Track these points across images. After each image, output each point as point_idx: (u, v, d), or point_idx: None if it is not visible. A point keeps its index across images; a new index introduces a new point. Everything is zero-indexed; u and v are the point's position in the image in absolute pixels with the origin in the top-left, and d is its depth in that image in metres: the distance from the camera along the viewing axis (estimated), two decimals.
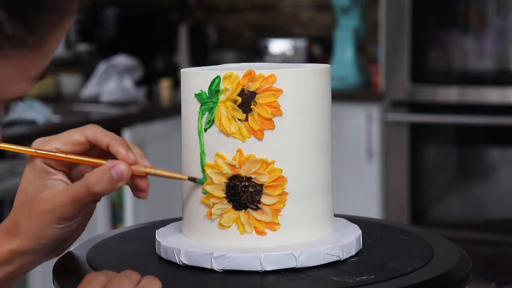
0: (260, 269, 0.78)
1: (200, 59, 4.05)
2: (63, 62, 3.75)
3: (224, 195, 0.81)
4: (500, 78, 3.44)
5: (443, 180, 3.64)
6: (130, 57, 3.56)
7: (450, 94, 3.46)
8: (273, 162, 0.80)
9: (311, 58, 4.15)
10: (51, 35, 0.61)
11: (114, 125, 3.07)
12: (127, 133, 3.06)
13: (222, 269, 0.78)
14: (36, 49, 0.60)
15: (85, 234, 0.88)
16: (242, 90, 0.80)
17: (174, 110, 3.32)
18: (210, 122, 0.81)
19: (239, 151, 0.80)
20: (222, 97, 0.80)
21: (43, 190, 0.81)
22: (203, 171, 0.82)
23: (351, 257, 0.83)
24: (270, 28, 4.45)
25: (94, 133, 0.84)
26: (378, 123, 3.57)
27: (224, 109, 0.80)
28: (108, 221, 2.99)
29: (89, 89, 3.54)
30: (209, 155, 0.82)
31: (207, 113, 0.81)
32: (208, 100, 0.81)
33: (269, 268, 0.78)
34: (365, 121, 3.58)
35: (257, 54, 4.24)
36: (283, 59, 4.09)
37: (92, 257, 0.85)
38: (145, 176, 0.83)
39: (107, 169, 0.79)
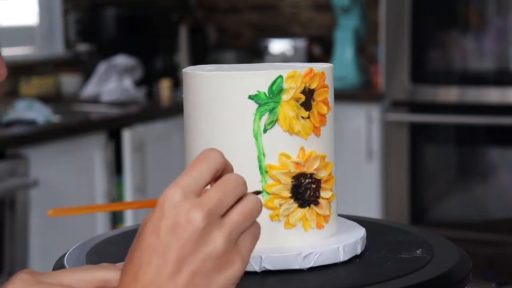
0: (342, 260, 0.81)
1: (200, 59, 4.05)
2: (63, 62, 3.75)
3: (290, 195, 0.81)
4: (500, 78, 3.44)
5: (443, 180, 3.64)
6: (130, 57, 3.56)
7: (450, 94, 3.46)
8: (326, 156, 0.83)
9: (311, 58, 4.15)
10: None
11: (114, 125, 3.08)
12: (127, 133, 3.06)
13: (309, 267, 0.79)
14: None
15: (85, 234, 0.88)
16: (304, 88, 0.81)
17: (174, 110, 3.32)
18: (273, 123, 0.80)
19: (302, 149, 0.81)
20: (285, 97, 0.80)
21: None
22: (264, 173, 0.80)
23: (355, 257, 0.84)
24: (270, 28, 4.45)
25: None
26: (378, 123, 3.57)
27: (289, 109, 0.80)
28: (108, 221, 2.99)
29: (89, 89, 3.54)
30: (270, 156, 0.80)
31: (267, 114, 0.80)
32: (269, 100, 0.80)
33: (346, 258, 0.82)
34: (365, 121, 3.58)
35: (257, 54, 4.23)
36: (283, 59, 4.09)
37: (92, 257, 0.85)
38: None
39: None
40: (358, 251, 0.82)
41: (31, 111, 2.84)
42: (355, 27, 3.86)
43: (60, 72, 3.71)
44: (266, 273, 0.79)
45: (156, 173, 3.15)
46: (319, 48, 4.22)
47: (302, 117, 0.81)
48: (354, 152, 3.59)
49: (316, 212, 0.82)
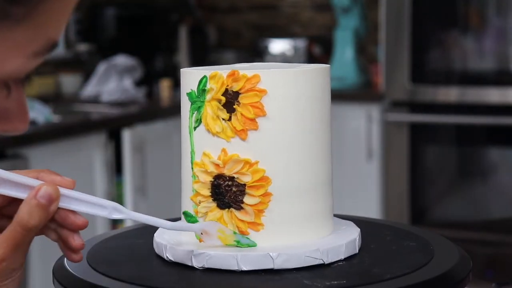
0: (237, 268, 0.78)
1: (200, 59, 4.05)
2: (63, 62, 3.75)
3: (210, 194, 0.82)
4: (500, 78, 3.44)
5: (443, 180, 3.64)
6: (130, 57, 3.56)
7: (450, 94, 3.46)
8: (256, 162, 0.80)
9: (311, 58, 4.15)
10: (41, 5, 0.55)
11: (114, 125, 3.08)
12: (127, 133, 3.06)
13: (201, 267, 0.79)
14: (25, 21, 0.55)
15: (85, 234, 0.88)
16: (226, 90, 0.80)
17: (174, 110, 3.32)
18: (198, 121, 0.82)
19: (224, 150, 0.81)
20: (208, 97, 0.81)
21: None
22: (192, 169, 0.83)
23: (339, 261, 0.81)
24: (270, 28, 4.45)
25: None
26: (378, 123, 3.57)
27: (210, 109, 0.81)
28: (108, 221, 2.99)
29: (89, 89, 3.54)
30: (197, 153, 0.82)
31: (195, 112, 0.82)
32: (197, 99, 0.82)
33: (245, 268, 0.78)
34: (365, 121, 3.58)
35: (257, 54, 4.24)
36: (283, 59, 4.10)
37: (92, 257, 0.85)
38: (77, 232, 0.74)
39: (32, 197, 0.69)
40: (269, 266, 0.78)
41: (31, 111, 2.84)
42: (355, 27, 3.86)
43: (60, 72, 3.71)
44: (173, 264, 0.81)
45: (156, 173, 3.15)
46: (319, 48, 4.22)
47: (224, 119, 0.80)
48: (354, 152, 3.59)
49: (236, 217, 0.81)
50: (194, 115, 0.82)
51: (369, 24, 3.95)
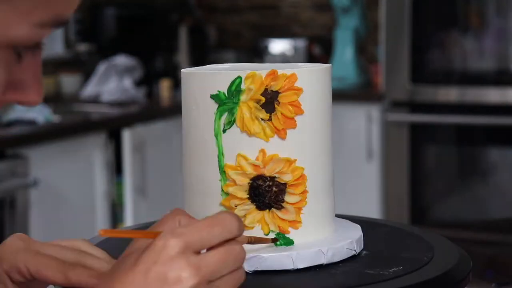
0: (293, 267, 0.79)
1: (200, 59, 4.05)
2: (63, 62, 3.75)
3: (247, 196, 0.81)
4: (500, 78, 3.44)
5: (443, 180, 3.64)
6: (130, 57, 3.56)
7: (450, 94, 3.46)
8: (295, 160, 0.81)
9: (311, 58, 4.15)
10: None
11: (114, 125, 3.08)
12: (127, 133, 3.06)
13: (253, 270, 0.79)
14: None
15: (85, 234, 0.88)
16: (265, 89, 0.80)
17: (174, 110, 3.32)
18: (231, 123, 0.81)
19: (262, 151, 0.80)
20: (243, 97, 0.80)
21: None
22: (222, 172, 0.81)
23: (362, 251, 0.84)
24: (270, 28, 4.45)
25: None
26: (378, 123, 3.57)
27: (247, 109, 0.80)
28: (108, 221, 2.99)
29: (89, 89, 3.54)
30: (229, 156, 0.81)
31: (226, 113, 0.80)
32: (228, 100, 0.80)
33: (301, 266, 0.79)
34: (365, 121, 3.58)
35: (257, 54, 4.24)
36: (283, 59, 4.09)
37: None
38: None
39: None
40: (322, 261, 0.80)
41: (31, 111, 2.84)
42: (355, 27, 3.86)
43: (60, 72, 3.71)
44: None
45: (156, 173, 3.15)
46: (319, 48, 4.22)
47: (262, 119, 0.80)
48: (354, 152, 3.59)
49: (278, 217, 0.81)
50: (224, 116, 0.80)
51: (369, 24, 3.95)
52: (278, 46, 4.22)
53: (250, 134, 0.80)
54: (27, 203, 2.62)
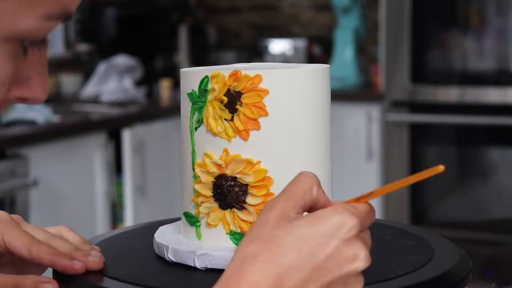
0: None
1: (200, 59, 4.05)
2: (63, 62, 3.75)
3: (211, 194, 0.82)
4: (500, 78, 3.44)
5: (443, 180, 3.64)
6: (130, 57, 3.56)
7: (450, 94, 3.46)
8: (258, 162, 0.80)
9: (311, 58, 4.15)
10: None
11: (114, 125, 3.08)
12: (127, 133, 3.06)
13: (204, 267, 0.79)
14: None
15: (85, 234, 0.88)
16: (228, 90, 0.80)
17: (174, 110, 3.32)
18: (200, 122, 0.82)
19: (225, 150, 0.80)
20: (209, 97, 0.81)
21: None
22: (193, 169, 0.83)
23: None
24: (270, 28, 4.45)
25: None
26: (378, 123, 3.57)
27: (212, 109, 0.81)
28: (108, 221, 2.99)
29: (89, 89, 3.54)
30: (198, 154, 0.82)
31: (197, 112, 0.82)
32: (198, 99, 0.82)
33: None
34: (365, 121, 3.58)
35: (257, 54, 4.24)
36: (283, 59, 4.10)
37: None
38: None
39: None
40: None
41: (31, 111, 2.84)
42: (355, 27, 3.86)
43: (60, 72, 3.71)
44: (174, 264, 0.81)
45: (156, 173, 3.15)
46: (319, 48, 4.22)
47: (225, 119, 0.80)
48: (354, 152, 3.59)
49: (239, 217, 0.81)
50: (195, 115, 0.82)
51: (369, 24, 3.96)
52: (278, 46, 4.22)
53: (214, 133, 0.81)
54: (27, 203, 2.62)
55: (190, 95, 0.82)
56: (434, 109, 3.49)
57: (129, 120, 3.13)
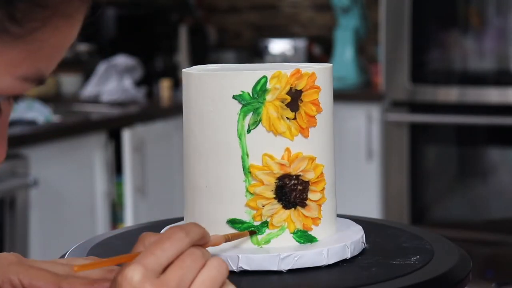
0: (325, 263, 0.80)
1: (200, 59, 4.05)
2: (63, 62, 3.73)
3: (274, 196, 0.81)
4: (500, 78, 3.44)
5: (443, 180, 3.64)
6: (130, 57, 3.56)
7: (450, 94, 3.46)
8: (315, 158, 0.82)
9: (311, 58, 4.15)
10: (39, 31, 0.57)
11: (114, 125, 3.08)
12: (127, 133, 3.06)
13: (288, 269, 0.79)
14: (20, 41, 0.57)
15: (85, 234, 0.88)
16: (290, 88, 0.80)
17: (174, 110, 3.32)
18: (256, 123, 0.80)
19: (287, 150, 0.81)
20: (269, 97, 0.80)
21: None
22: (247, 173, 0.81)
23: (362, 251, 0.85)
24: (270, 28, 4.45)
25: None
26: (378, 123, 3.57)
27: (273, 109, 0.80)
28: (108, 221, 2.99)
29: (89, 89, 3.54)
30: (254, 156, 0.80)
31: (250, 114, 0.80)
32: (253, 100, 0.80)
33: (332, 261, 0.80)
34: (365, 121, 3.58)
35: (257, 54, 4.24)
36: (283, 59, 4.10)
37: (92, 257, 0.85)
38: None
39: None
40: (347, 255, 0.81)
41: (31, 111, 2.84)
42: (355, 27, 3.86)
43: (60, 72, 3.71)
44: (244, 273, 0.79)
45: (156, 173, 3.15)
46: (319, 48, 4.22)
47: (288, 118, 0.80)
48: (354, 152, 3.59)
49: (303, 214, 0.82)
50: (249, 117, 0.80)
51: (369, 24, 3.96)
52: (278, 46, 4.22)
53: (276, 133, 0.80)
54: (27, 203, 2.62)
55: (240, 96, 0.80)
56: (434, 109, 3.48)
57: (129, 120, 3.13)
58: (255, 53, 4.25)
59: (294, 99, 0.80)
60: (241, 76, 0.80)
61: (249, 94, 0.80)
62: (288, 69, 0.81)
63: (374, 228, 0.93)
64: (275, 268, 0.78)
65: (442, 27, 3.58)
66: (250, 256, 0.79)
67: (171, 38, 3.96)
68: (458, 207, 3.61)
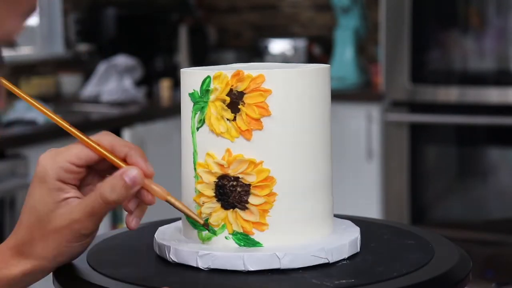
0: (243, 268, 0.78)
1: (200, 59, 4.05)
2: (63, 62, 3.75)
3: (214, 194, 0.81)
4: (500, 78, 3.44)
5: (443, 180, 3.64)
6: (130, 57, 3.56)
7: (450, 94, 3.46)
8: (261, 162, 0.80)
9: (311, 58, 4.15)
10: None
11: (114, 125, 3.08)
12: (127, 133, 3.06)
13: (207, 268, 0.79)
14: None
15: None
16: (231, 90, 0.80)
17: (174, 110, 3.32)
18: (201, 122, 0.82)
19: (228, 150, 0.80)
20: (212, 97, 0.81)
21: (56, 208, 0.77)
22: (195, 170, 0.83)
23: (343, 260, 0.81)
24: (270, 28, 4.45)
25: (110, 142, 0.83)
26: (378, 123, 3.57)
27: (214, 109, 0.81)
28: (108, 221, 2.99)
29: (89, 89, 3.54)
30: (200, 154, 0.82)
31: (198, 112, 0.82)
32: (200, 99, 0.82)
33: (252, 268, 0.78)
34: (365, 121, 3.58)
35: (257, 54, 4.24)
36: (283, 59, 4.10)
37: (92, 257, 0.85)
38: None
39: (119, 176, 0.77)
40: (276, 266, 0.78)
41: (31, 111, 2.84)
42: (355, 27, 3.86)
43: (60, 72, 3.71)
44: (176, 265, 0.81)
45: (156, 173, 3.14)
46: (319, 48, 4.22)
47: (228, 119, 0.80)
48: (354, 152, 3.59)
49: (241, 217, 0.81)
50: (197, 115, 0.82)
51: (369, 24, 3.96)
52: (278, 46, 4.22)
53: (217, 133, 0.81)
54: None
55: (192, 95, 0.82)
56: (434, 109, 3.49)
57: (129, 120, 3.13)
58: (255, 53, 4.25)
59: (234, 100, 0.80)
60: (194, 75, 0.82)
61: (198, 93, 0.81)
62: (286, 68, 0.81)
63: (373, 228, 0.93)
64: (194, 264, 0.79)
65: (442, 27, 3.58)
66: (177, 248, 0.81)
67: (171, 38, 3.96)
68: (458, 207, 3.61)
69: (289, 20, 4.42)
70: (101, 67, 3.54)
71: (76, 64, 3.78)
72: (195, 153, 0.83)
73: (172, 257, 0.81)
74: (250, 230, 0.81)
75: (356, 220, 0.92)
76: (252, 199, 0.81)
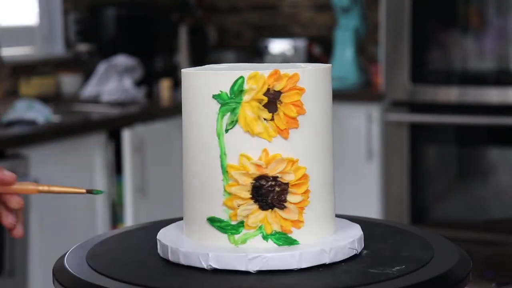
0: (296, 267, 0.79)
1: (200, 59, 4.05)
2: (63, 62, 3.75)
3: (250, 196, 0.81)
4: (500, 78, 3.44)
5: (443, 180, 3.64)
6: (130, 57, 3.56)
7: (450, 94, 3.46)
8: (297, 160, 0.81)
9: (311, 58, 4.14)
10: None
11: (114, 125, 3.08)
12: (127, 133, 3.06)
13: (257, 270, 0.78)
14: None
15: (85, 234, 0.88)
16: (268, 89, 0.79)
17: (174, 110, 3.32)
18: (233, 123, 0.80)
19: (265, 150, 0.80)
20: (246, 97, 0.80)
21: None
22: (225, 172, 0.81)
23: (362, 251, 0.85)
24: (270, 28, 4.45)
25: None
26: (378, 123, 3.57)
27: (249, 109, 0.80)
28: (108, 221, 2.99)
29: (89, 89, 3.54)
30: (231, 156, 0.81)
31: (228, 113, 0.80)
32: (230, 100, 0.80)
33: (304, 265, 0.79)
34: (365, 121, 3.58)
35: (257, 54, 4.23)
36: (283, 59, 4.09)
37: (92, 257, 0.85)
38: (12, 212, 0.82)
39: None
40: (325, 261, 0.80)
41: (31, 111, 2.84)
42: (355, 27, 3.86)
43: (60, 72, 3.71)
44: (215, 271, 0.79)
45: (156, 173, 3.15)
46: (319, 48, 4.22)
47: (265, 119, 0.80)
48: (354, 152, 3.59)
49: (281, 216, 0.81)
50: (227, 116, 0.80)
51: (369, 24, 3.95)
52: (278, 46, 4.22)
53: (253, 134, 0.80)
54: (27, 203, 2.62)
55: (218, 96, 0.81)
56: (434, 109, 3.48)
57: (129, 120, 3.13)
58: (255, 53, 4.25)
59: (272, 100, 0.79)
60: (220, 76, 0.81)
61: (227, 94, 0.80)
62: (285, 68, 0.81)
63: (374, 228, 0.93)
64: (243, 268, 0.78)
65: (442, 27, 3.57)
66: (219, 254, 0.79)
67: (171, 38, 3.95)
68: (458, 207, 3.61)
69: (289, 20, 4.42)
70: (101, 67, 3.54)
71: (76, 64, 3.77)
72: (223, 155, 0.81)
73: (212, 263, 0.79)
74: (289, 228, 0.82)
75: (356, 220, 0.92)
76: (290, 198, 0.81)
